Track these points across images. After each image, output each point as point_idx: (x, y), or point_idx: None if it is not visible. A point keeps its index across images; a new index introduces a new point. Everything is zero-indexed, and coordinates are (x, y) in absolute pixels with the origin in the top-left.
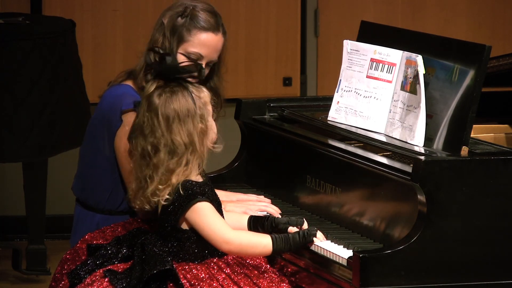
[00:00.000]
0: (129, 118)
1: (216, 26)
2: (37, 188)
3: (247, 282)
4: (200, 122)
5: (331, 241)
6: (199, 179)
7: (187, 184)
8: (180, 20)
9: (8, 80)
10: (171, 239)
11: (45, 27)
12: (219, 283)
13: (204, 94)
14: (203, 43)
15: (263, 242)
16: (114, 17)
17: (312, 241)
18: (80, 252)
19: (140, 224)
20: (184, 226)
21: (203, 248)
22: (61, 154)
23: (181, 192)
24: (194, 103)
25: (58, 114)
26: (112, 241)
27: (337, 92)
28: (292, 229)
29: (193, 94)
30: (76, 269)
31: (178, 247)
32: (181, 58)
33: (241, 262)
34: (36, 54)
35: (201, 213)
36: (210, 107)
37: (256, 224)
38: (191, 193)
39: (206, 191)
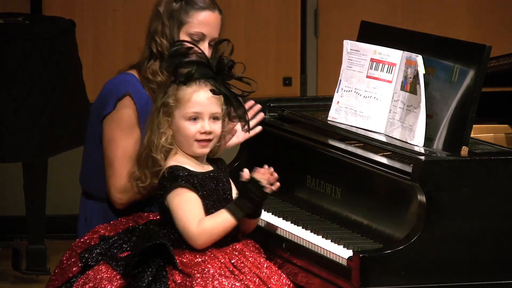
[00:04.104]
0: (121, 104)
1: (212, 4)
2: (37, 188)
3: (244, 267)
4: (161, 114)
5: (331, 241)
6: (196, 168)
7: (173, 167)
8: (175, 5)
9: (8, 80)
10: (169, 225)
11: (45, 27)
12: (215, 267)
13: (182, 92)
14: (203, 21)
15: (226, 219)
16: (114, 17)
17: (268, 194)
18: (92, 243)
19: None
20: None
21: None
22: (61, 154)
23: (166, 174)
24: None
25: (58, 114)
26: (123, 232)
27: (337, 92)
28: (244, 174)
29: (169, 89)
30: (87, 250)
31: (177, 235)
32: None
33: (242, 253)
34: (36, 54)
35: (177, 200)
36: (188, 109)
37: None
38: (172, 177)
39: (191, 180)
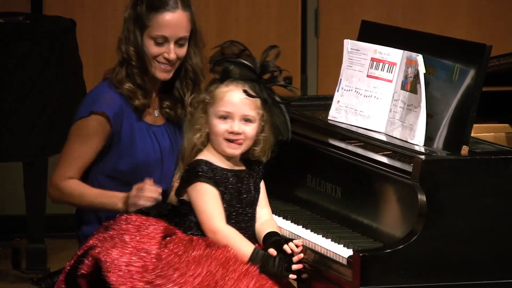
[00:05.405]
0: (87, 118)
1: (173, 4)
2: (37, 188)
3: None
4: (201, 108)
5: (331, 240)
6: (223, 165)
7: (197, 161)
8: (138, 8)
9: (8, 80)
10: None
11: (45, 27)
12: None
13: (218, 90)
14: (163, 24)
15: (245, 251)
16: (115, 17)
17: (285, 276)
18: None
19: None
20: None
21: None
22: None
23: (189, 167)
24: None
25: (58, 114)
26: None
27: (337, 91)
28: (272, 251)
29: (210, 86)
30: None
31: (180, 221)
32: (150, 44)
33: None
34: (36, 54)
35: (198, 194)
36: (220, 108)
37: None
38: (194, 171)
39: (211, 174)
